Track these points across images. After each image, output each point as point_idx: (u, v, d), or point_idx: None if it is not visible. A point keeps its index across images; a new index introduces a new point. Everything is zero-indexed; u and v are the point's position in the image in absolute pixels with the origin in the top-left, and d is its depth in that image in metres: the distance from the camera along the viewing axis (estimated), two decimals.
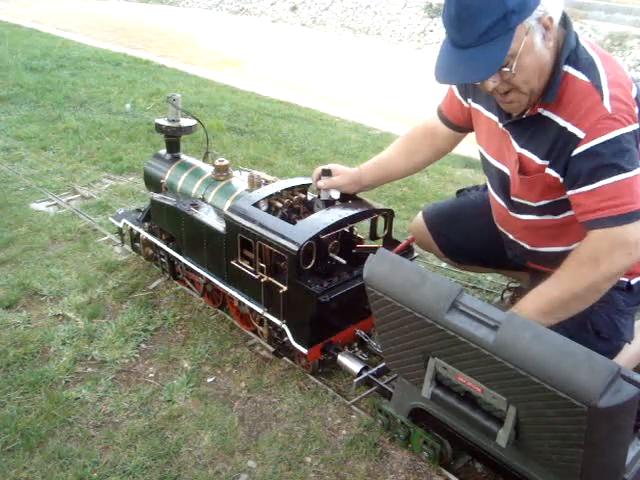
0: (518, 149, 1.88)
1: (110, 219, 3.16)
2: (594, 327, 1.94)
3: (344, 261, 2.29)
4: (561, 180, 1.79)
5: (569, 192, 1.76)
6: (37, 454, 1.96)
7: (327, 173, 2.34)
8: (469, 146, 2.72)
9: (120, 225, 3.02)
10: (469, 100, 2.09)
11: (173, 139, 2.92)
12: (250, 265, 2.27)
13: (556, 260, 1.81)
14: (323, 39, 13.87)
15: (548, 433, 1.44)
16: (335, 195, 2.34)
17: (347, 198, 2.37)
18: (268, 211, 2.32)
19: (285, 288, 2.15)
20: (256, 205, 2.29)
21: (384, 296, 1.65)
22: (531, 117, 1.81)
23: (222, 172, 2.68)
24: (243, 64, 10.23)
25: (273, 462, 1.95)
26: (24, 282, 2.83)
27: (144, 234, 2.88)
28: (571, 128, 1.71)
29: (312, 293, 2.07)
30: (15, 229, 3.36)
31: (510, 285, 2.71)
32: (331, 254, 2.29)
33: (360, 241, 2.46)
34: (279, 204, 2.37)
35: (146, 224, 2.91)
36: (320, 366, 2.32)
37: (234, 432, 2.07)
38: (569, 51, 1.71)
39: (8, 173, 4.15)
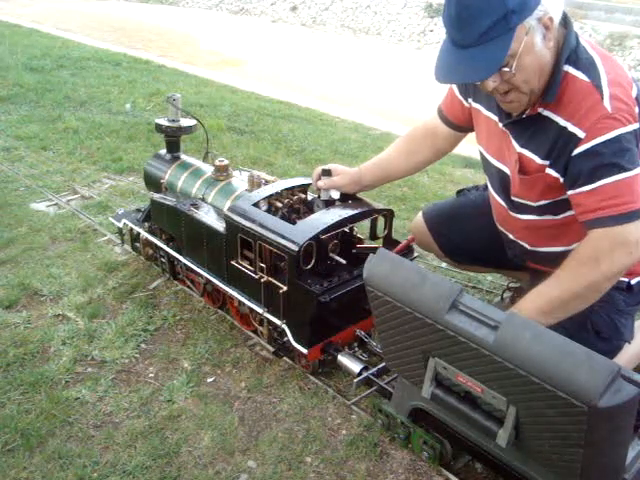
0: (518, 149, 1.88)
1: (110, 219, 3.16)
2: (594, 327, 1.94)
3: (344, 261, 2.29)
4: (561, 180, 1.79)
5: (569, 192, 1.76)
6: (37, 454, 1.96)
7: (327, 173, 2.34)
8: (469, 146, 2.72)
9: (120, 225, 3.02)
10: (469, 100, 2.09)
11: (173, 139, 2.92)
12: (250, 265, 2.27)
13: (556, 260, 1.81)
14: (323, 39, 13.87)
15: (548, 433, 1.44)
16: (335, 195, 2.34)
17: (347, 198, 2.37)
18: (268, 211, 2.32)
19: (285, 288, 2.15)
20: (256, 205, 2.29)
21: (384, 296, 1.65)
22: (531, 117, 1.81)
23: (222, 172, 2.68)
24: (243, 64, 10.23)
25: (273, 462, 1.95)
26: (24, 282, 2.83)
27: (144, 234, 2.88)
28: (571, 128, 1.71)
29: (312, 293, 2.07)
30: (15, 229, 3.36)
31: (510, 285, 2.71)
32: (331, 254, 2.29)
33: (360, 241, 2.46)
34: (279, 204, 2.37)
35: (146, 224, 2.91)
36: (320, 366, 2.32)
37: (234, 432, 2.07)
38: (569, 51, 1.71)
39: (8, 173, 4.15)
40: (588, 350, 1.31)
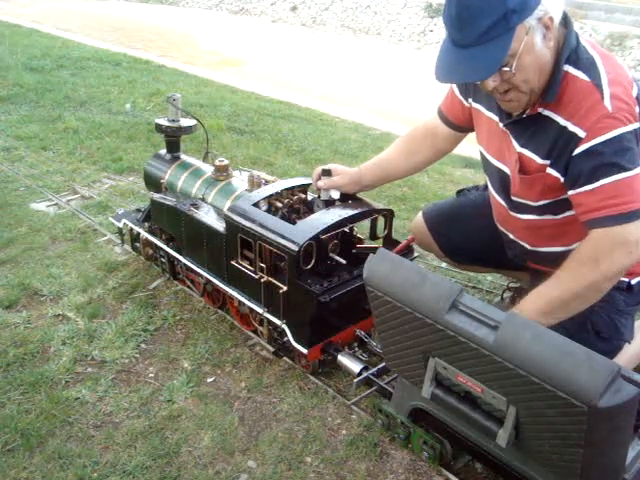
0: (518, 149, 1.88)
1: (110, 219, 3.16)
2: (594, 327, 1.94)
3: (344, 261, 2.28)
4: (562, 180, 1.79)
5: (570, 192, 1.76)
6: (37, 454, 1.96)
7: (327, 173, 2.34)
8: (469, 146, 2.72)
9: (120, 225, 3.02)
10: (470, 100, 2.09)
11: (173, 139, 2.92)
12: (250, 265, 2.27)
13: (556, 260, 1.81)
14: (323, 39, 13.86)
15: (548, 433, 1.44)
16: (335, 195, 2.34)
17: (347, 198, 2.37)
18: (268, 211, 2.32)
19: (285, 288, 2.15)
20: (256, 205, 2.29)
21: (384, 296, 1.65)
22: (531, 117, 1.81)
23: (222, 172, 2.68)
24: (243, 64, 10.23)
25: (273, 462, 1.95)
26: (24, 282, 2.83)
27: (144, 234, 2.88)
28: (572, 127, 1.70)
29: (312, 293, 2.07)
30: (15, 229, 3.36)
31: (510, 285, 2.71)
32: (331, 254, 2.29)
33: (360, 241, 2.46)
34: (279, 204, 2.37)
35: (146, 224, 2.91)
36: (320, 366, 2.32)
37: (234, 432, 2.07)
38: (569, 50, 1.71)
39: (8, 173, 4.15)
40: (588, 350, 1.31)
